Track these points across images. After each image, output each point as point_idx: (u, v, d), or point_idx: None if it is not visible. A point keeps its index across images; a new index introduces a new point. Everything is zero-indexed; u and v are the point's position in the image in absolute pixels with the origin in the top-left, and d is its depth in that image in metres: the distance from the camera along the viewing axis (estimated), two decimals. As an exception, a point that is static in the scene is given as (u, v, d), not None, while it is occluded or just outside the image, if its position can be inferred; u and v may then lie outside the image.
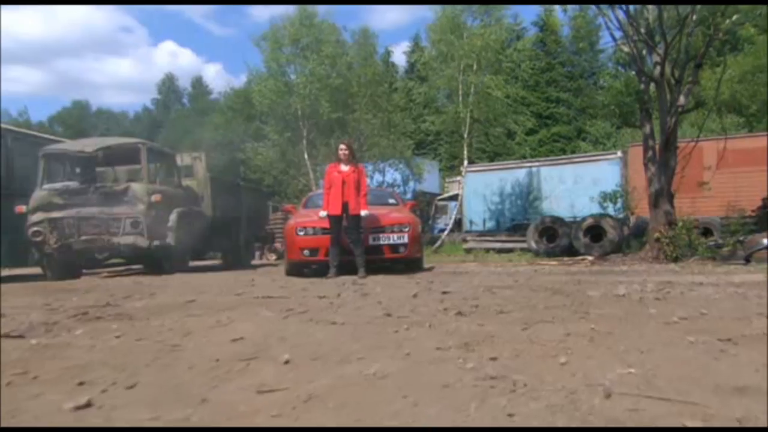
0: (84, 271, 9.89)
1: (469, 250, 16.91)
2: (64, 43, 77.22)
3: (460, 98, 17.85)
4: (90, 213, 9.00)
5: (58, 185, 9.06)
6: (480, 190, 21.56)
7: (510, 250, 16.47)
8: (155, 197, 9.07)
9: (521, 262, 11.55)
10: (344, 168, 7.40)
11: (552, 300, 3.80)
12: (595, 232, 13.14)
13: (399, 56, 44.22)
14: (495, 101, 17.90)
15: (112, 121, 53.73)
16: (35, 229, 8.87)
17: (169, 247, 9.31)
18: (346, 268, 7.41)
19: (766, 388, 1.62)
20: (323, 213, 7.38)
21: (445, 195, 26.29)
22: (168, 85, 54.39)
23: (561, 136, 38.64)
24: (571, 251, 13.32)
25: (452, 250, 18.31)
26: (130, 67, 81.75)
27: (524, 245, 16.02)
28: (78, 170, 9.74)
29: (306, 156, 18.35)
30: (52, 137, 10.51)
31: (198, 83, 54.66)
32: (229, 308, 3.67)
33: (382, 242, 7.69)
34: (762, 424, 1.39)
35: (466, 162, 18.73)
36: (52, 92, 62.79)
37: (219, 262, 13.50)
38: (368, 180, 22.53)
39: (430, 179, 25.47)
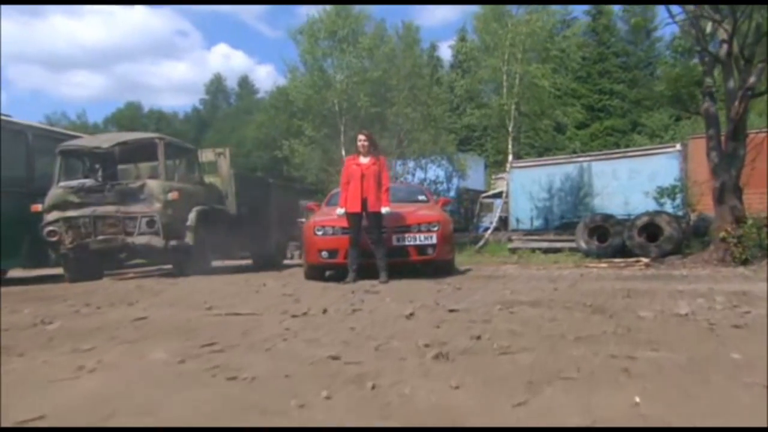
0: (107, 272, 9.55)
1: (513, 251, 15.95)
2: (123, 47, 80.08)
3: (505, 89, 16.86)
4: (106, 211, 8.61)
5: (74, 183, 8.70)
6: (527, 186, 20.49)
7: (558, 251, 15.43)
8: (172, 195, 8.60)
9: (568, 264, 10.59)
10: (363, 160, 6.70)
11: (588, 325, 2.94)
12: (651, 230, 12.01)
13: (445, 51, 43.36)
14: (542, 92, 16.82)
15: (162, 122, 54.70)
16: (50, 228, 8.53)
17: (187, 247, 8.83)
18: (369, 271, 6.72)
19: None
20: (340, 210, 6.70)
21: (491, 192, 25.28)
22: (216, 86, 55.03)
23: (615, 130, 36.81)
24: (624, 252, 12.22)
25: (496, 250, 17.37)
26: (185, 70, 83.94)
27: (573, 245, 14.97)
28: (97, 167, 9.38)
29: (343, 152, 17.72)
30: (76, 134, 10.21)
31: (244, 82, 55.09)
32: (142, 337, 2.94)
33: (407, 243, 6.95)
34: None
35: (511, 157, 17.72)
36: (113, 96, 65.08)
37: (250, 261, 13.05)
38: (409, 177, 21.94)
39: (475, 176, 24.53)
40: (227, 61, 75.89)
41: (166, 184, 8.67)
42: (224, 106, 53.24)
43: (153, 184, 8.62)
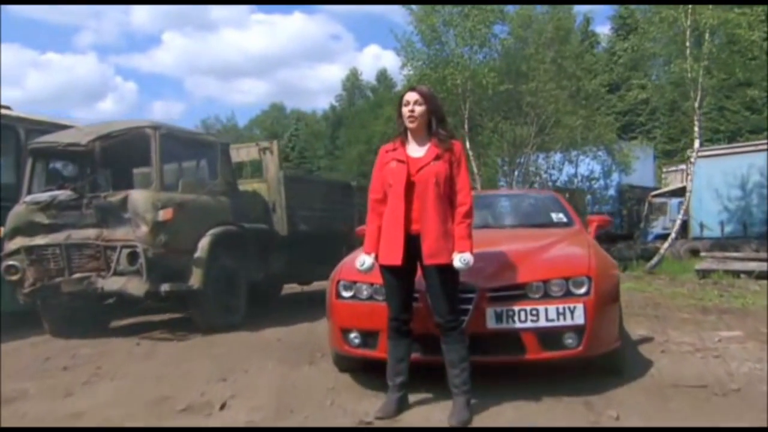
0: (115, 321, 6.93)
1: (704, 274, 11.25)
2: (283, 54, 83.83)
3: (688, 49, 12.07)
4: (85, 237, 5.90)
5: (42, 196, 6.06)
6: (714, 181, 15.42)
7: (776, 276, 10.54)
8: (164, 213, 5.65)
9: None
10: (415, 150, 3.11)
11: None
12: None
13: (601, 25, 37.42)
14: (747, 49, 11.77)
15: (301, 121, 54.34)
16: (10, 262, 5.99)
17: (193, 294, 5.86)
18: (435, 376, 3.18)
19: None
20: (365, 261, 3.17)
21: (664, 189, 20.02)
22: (352, 82, 53.43)
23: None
24: None
25: (676, 269, 12.66)
26: (339, 72, 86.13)
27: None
28: (77, 171, 6.73)
29: (468, 143, 14.04)
30: (73, 124, 7.68)
31: (383, 77, 52.79)
32: None
33: (519, 324, 3.24)
34: None
35: (697, 143, 12.87)
36: (275, 101, 68.71)
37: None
38: (555, 174, 17.46)
39: (641, 169, 19.50)
40: (377, 61, 76.29)
41: (157, 196, 5.73)
42: (360, 102, 51.42)
43: (137, 197, 5.72)
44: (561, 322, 3.24)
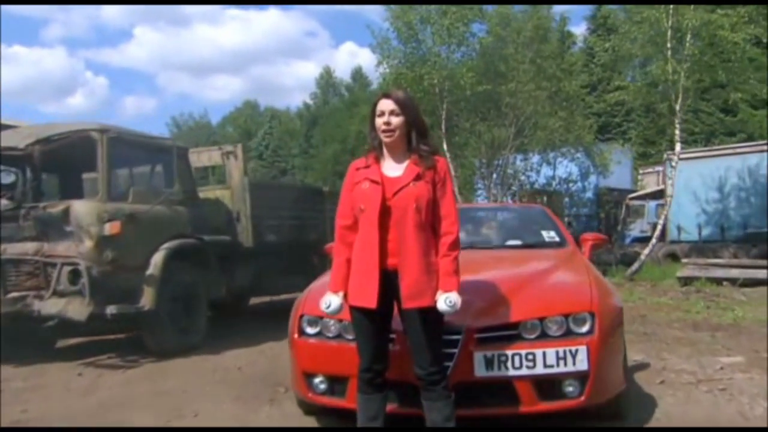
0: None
1: (686, 281, 10.97)
2: (258, 51, 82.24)
3: (669, 50, 11.78)
4: (22, 252, 5.28)
5: (-27, 207, 5.42)
6: (692, 184, 15.30)
7: (761, 283, 10.29)
8: (111, 227, 5.06)
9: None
10: (391, 169, 2.57)
11: None
12: None
13: (576, 25, 37.36)
14: (730, 50, 11.50)
15: (276, 119, 53.31)
16: (-64, 281, 5.33)
17: (145, 316, 5.28)
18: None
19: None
20: (331, 302, 2.58)
21: (642, 192, 19.87)
22: (326, 79, 52.60)
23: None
24: None
25: (656, 274, 12.40)
26: (314, 69, 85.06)
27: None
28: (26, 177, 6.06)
29: (445, 145, 13.61)
30: (18, 124, 7.00)
31: (358, 75, 52.09)
32: None
33: (511, 372, 2.76)
34: None
35: (678, 147, 12.61)
36: (250, 98, 67.26)
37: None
38: (533, 176, 17.13)
39: (619, 172, 19.30)
40: (353, 58, 75.31)
41: (103, 207, 5.14)
42: (335, 100, 50.62)
43: (80, 209, 5.12)
44: (561, 369, 2.76)
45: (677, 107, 12.34)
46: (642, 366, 4.63)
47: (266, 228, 6.94)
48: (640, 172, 23.31)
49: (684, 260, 12.30)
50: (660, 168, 22.32)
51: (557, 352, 2.77)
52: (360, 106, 33.54)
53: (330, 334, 3.04)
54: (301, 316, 3.16)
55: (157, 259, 5.39)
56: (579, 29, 30.94)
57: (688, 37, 11.74)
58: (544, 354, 2.76)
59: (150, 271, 5.33)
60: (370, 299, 2.43)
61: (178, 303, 5.64)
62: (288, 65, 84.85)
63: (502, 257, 3.86)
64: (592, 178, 18.46)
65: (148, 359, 5.39)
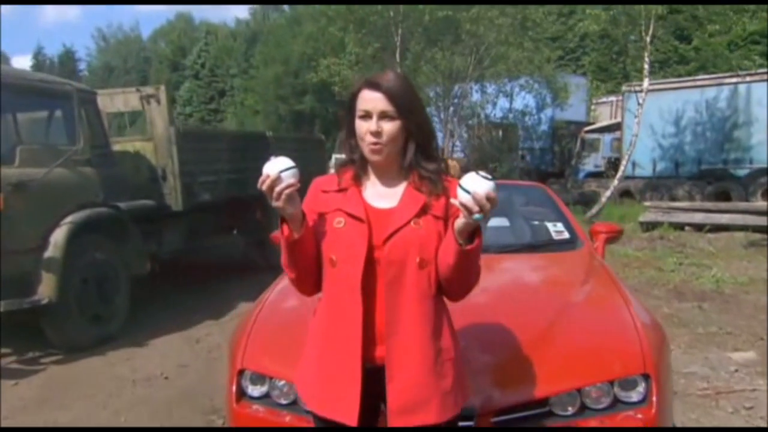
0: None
1: (649, 227, 10.59)
2: None
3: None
4: None
5: None
6: (648, 117, 14.80)
7: (724, 228, 10.00)
8: (-9, 201, 3.90)
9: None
10: (382, 197, 1.58)
11: None
12: None
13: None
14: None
15: (212, 35, 49.57)
16: None
17: (47, 309, 4.23)
18: None
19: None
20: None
21: (597, 125, 19.37)
22: (266, -9, 49.00)
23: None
24: None
25: (615, 215, 11.96)
26: None
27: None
28: None
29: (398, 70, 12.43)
30: None
31: (301, -12, 48.74)
32: None
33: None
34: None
35: (646, 82, 11.92)
36: (183, 10, 60.34)
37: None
38: (489, 108, 16.06)
39: (575, 104, 18.60)
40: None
41: (-21, 177, 3.95)
42: (276, 16, 47.32)
43: (-53, 179, 3.92)
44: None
45: (648, 38, 11.57)
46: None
47: (199, 186, 5.84)
48: (594, 102, 22.78)
49: (646, 203, 11.90)
50: (614, 98, 21.85)
51: (604, 435, 1.98)
52: (303, 25, 31.27)
53: (282, 402, 2.15)
54: (241, 372, 2.24)
55: (58, 237, 4.29)
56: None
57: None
58: (586, 438, 1.97)
59: (49, 253, 4.23)
60: (347, 411, 1.50)
61: (89, 287, 4.59)
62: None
63: (506, 283, 2.83)
64: (548, 111, 17.76)
65: (52, 357, 4.40)
